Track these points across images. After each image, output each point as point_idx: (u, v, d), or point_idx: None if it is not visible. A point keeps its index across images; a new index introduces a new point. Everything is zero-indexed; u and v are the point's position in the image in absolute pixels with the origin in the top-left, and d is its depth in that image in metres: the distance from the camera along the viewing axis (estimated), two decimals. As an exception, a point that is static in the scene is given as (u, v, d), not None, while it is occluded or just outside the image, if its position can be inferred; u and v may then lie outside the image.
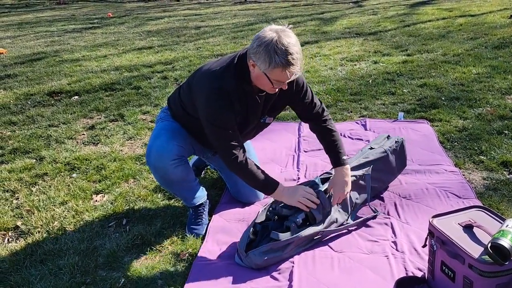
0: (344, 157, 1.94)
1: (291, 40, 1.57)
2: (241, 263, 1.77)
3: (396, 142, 2.25)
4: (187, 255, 1.87)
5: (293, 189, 1.85)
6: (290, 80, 1.65)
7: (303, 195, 1.81)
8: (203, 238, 1.97)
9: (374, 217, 2.02)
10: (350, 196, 1.99)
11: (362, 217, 2.00)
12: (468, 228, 1.47)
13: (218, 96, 1.70)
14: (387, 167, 2.19)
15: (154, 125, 2.06)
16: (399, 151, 2.26)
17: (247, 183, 1.83)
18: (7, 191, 2.48)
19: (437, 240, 1.48)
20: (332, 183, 1.93)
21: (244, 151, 1.78)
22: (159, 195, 2.34)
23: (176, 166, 1.86)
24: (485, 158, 2.54)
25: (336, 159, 1.94)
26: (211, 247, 1.90)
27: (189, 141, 1.96)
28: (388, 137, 2.31)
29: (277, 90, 1.72)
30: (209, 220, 2.09)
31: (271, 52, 1.55)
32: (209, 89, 1.71)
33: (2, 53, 6.37)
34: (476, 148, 2.66)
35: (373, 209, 2.05)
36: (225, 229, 2.02)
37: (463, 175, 2.38)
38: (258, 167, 1.81)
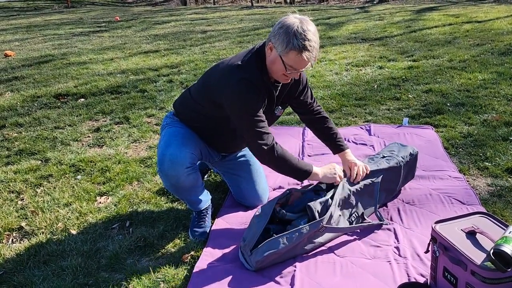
0: (345, 143, 2.08)
1: (311, 28, 1.65)
2: (244, 263, 1.78)
3: (411, 154, 2.22)
4: (189, 258, 1.87)
5: (327, 170, 1.93)
6: (303, 69, 1.71)
7: (338, 171, 1.94)
8: (205, 241, 1.98)
9: (379, 226, 2.00)
10: (355, 199, 1.99)
11: (367, 223, 1.99)
12: (471, 234, 1.46)
13: (246, 86, 1.73)
14: (396, 178, 2.17)
15: (160, 132, 2.05)
16: (411, 163, 2.24)
17: (279, 172, 1.88)
18: (13, 192, 2.51)
19: (439, 246, 1.48)
20: (346, 167, 2.02)
21: (273, 138, 1.81)
22: (163, 198, 2.35)
23: (189, 174, 1.87)
24: (490, 164, 2.53)
25: (337, 145, 2.07)
26: (214, 251, 1.90)
27: (199, 146, 1.96)
28: (402, 145, 2.27)
29: (289, 80, 1.78)
30: (212, 224, 2.10)
31: (290, 35, 1.62)
32: (237, 81, 1.73)
33: (10, 55, 6.44)
34: (481, 154, 2.65)
35: (379, 215, 2.04)
36: (227, 233, 2.03)
37: (468, 181, 2.37)
38: (289, 154, 1.85)
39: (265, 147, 1.76)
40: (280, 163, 1.82)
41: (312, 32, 1.64)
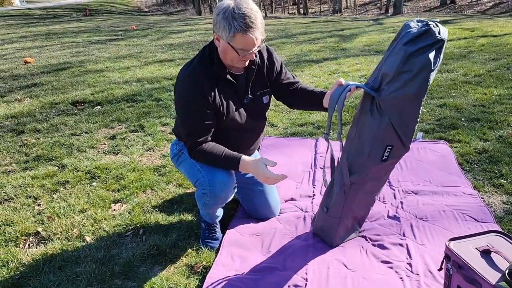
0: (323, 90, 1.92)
1: (248, 5, 1.60)
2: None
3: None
4: (201, 267, 1.89)
5: (254, 165, 1.76)
6: (255, 48, 1.66)
7: (267, 174, 1.74)
8: (217, 251, 1.99)
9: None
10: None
11: None
12: (485, 253, 1.45)
13: (185, 81, 1.73)
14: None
15: (174, 160, 2.04)
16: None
17: (209, 165, 1.85)
18: (30, 197, 2.56)
19: (453, 264, 1.47)
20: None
21: (207, 138, 1.81)
22: (176, 206, 2.38)
23: (234, 189, 1.93)
24: (505, 181, 2.50)
25: (322, 93, 1.91)
26: (225, 260, 1.92)
27: None
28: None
29: (247, 62, 1.75)
30: (224, 234, 2.11)
31: (229, 18, 1.58)
32: (181, 78, 1.75)
33: (30, 62, 6.60)
34: (496, 171, 2.63)
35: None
36: (239, 243, 2.04)
37: (482, 198, 2.35)
38: (218, 148, 1.80)
39: (192, 144, 1.80)
40: (207, 161, 1.82)
41: (250, 8, 1.59)
